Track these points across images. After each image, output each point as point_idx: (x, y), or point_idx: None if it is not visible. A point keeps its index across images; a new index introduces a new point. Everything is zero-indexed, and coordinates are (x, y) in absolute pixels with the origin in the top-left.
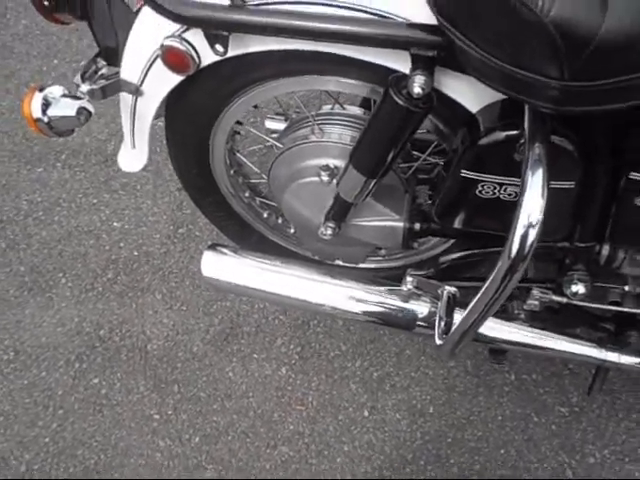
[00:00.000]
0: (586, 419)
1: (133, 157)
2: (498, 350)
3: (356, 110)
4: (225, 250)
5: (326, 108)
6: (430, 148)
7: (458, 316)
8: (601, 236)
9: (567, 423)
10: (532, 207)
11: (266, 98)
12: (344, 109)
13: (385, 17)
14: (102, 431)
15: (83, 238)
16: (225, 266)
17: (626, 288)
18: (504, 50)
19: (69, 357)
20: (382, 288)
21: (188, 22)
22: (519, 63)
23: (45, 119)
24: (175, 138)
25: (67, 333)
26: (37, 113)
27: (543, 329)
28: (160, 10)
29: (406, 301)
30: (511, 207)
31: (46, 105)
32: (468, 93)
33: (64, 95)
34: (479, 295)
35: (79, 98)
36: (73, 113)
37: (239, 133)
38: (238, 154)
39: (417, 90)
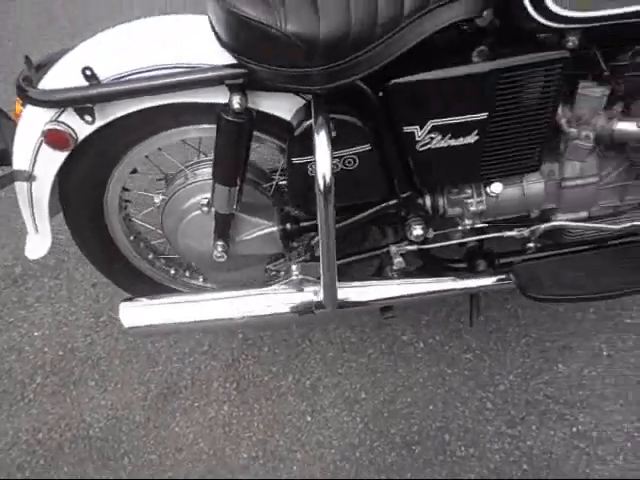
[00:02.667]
0: (488, 357)
1: (38, 242)
2: (385, 307)
3: None
4: (138, 299)
5: (194, 159)
6: (279, 170)
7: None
8: (413, 184)
9: (474, 365)
10: (323, 153)
11: (139, 159)
12: (207, 155)
13: (203, 67)
14: None
15: (5, 355)
16: (141, 311)
17: (459, 228)
18: (278, 60)
19: (9, 471)
20: (277, 286)
21: (60, 104)
22: (290, 64)
23: None
24: (74, 220)
25: (3, 449)
26: None
27: (413, 279)
28: (37, 102)
29: (301, 289)
30: (339, 176)
31: None
32: (280, 107)
33: None
34: (320, 237)
35: None
36: None
37: (129, 201)
38: (134, 219)
39: (236, 106)
